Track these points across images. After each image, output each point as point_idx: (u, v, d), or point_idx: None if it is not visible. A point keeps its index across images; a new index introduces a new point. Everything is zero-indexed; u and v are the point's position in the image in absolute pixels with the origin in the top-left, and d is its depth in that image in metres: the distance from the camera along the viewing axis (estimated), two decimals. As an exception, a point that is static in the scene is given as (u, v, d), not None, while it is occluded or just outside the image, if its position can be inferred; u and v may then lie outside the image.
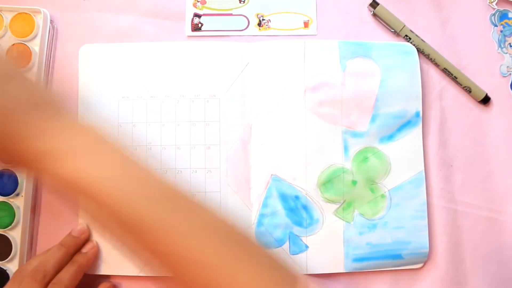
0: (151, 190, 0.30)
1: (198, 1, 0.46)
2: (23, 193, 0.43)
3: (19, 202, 0.43)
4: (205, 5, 0.46)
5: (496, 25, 0.46)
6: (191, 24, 0.46)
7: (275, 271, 0.30)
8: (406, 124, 0.44)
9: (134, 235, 0.29)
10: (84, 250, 0.41)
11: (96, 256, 0.42)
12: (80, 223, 0.43)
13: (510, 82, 0.45)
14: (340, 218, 0.43)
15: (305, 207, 0.43)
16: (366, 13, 0.46)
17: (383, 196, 0.43)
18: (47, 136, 0.28)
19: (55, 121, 0.29)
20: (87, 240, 0.42)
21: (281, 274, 0.31)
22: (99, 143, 0.30)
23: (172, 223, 0.29)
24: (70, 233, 0.42)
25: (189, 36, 0.46)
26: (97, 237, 0.43)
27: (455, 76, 0.45)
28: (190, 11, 0.46)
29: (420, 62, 0.45)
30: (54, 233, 0.43)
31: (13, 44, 0.44)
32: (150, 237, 0.29)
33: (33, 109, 0.29)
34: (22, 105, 0.29)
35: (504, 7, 0.46)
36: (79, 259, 0.40)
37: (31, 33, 0.44)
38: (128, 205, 0.28)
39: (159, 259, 0.30)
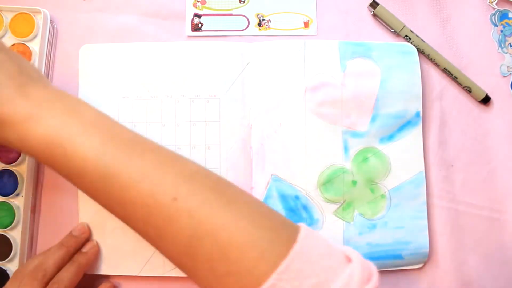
0: (129, 144, 0.31)
1: (198, 1, 0.46)
2: (23, 193, 0.43)
3: (19, 202, 0.43)
4: (205, 5, 0.46)
5: (496, 25, 0.46)
6: (191, 24, 0.46)
7: (272, 220, 0.30)
8: (406, 124, 0.44)
9: (112, 192, 0.30)
10: (84, 249, 0.41)
11: (96, 256, 0.42)
12: (81, 222, 0.43)
13: (510, 82, 0.45)
14: (340, 218, 0.43)
15: (305, 207, 0.43)
16: (366, 13, 0.46)
17: (383, 196, 0.43)
18: (23, 102, 0.30)
19: (34, 88, 0.31)
20: (88, 239, 0.42)
21: (280, 222, 0.31)
22: (75, 106, 0.32)
23: (153, 173, 0.29)
24: (70, 233, 0.42)
25: (189, 36, 0.46)
26: (98, 237, 0.43)
27: (455, 76, 0.45)
28: (190, 11, 0.46)
29: (420, 62, 0.44)
30: (54, 233, 0.43)
31: (13, 44, 0.44)
32: (131, 191, 0.29)
33: (14, 78, 0.31)
34: (4, 74, 0.31)
35: (504, 7, 0.46)
36: (80, 258, 0.40)
37: (31, 33, 0.44)
38: (104, 161, 0.29)
39: (140, 216, 0.29)
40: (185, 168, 0.31)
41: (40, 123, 0.30)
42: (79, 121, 0.31)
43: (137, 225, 0.31)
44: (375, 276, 0.27)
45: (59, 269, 0.39)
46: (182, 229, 0.28)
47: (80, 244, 0.42)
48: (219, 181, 0.31)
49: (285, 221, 0.31)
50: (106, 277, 0.43)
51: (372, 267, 0.28)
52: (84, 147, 0.29)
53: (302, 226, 0.30)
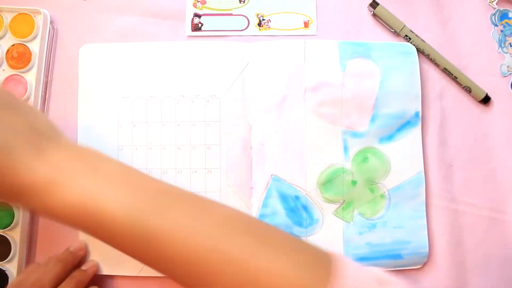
0: (157, 196, 0.30)
1: (198, 1, 0.46)
2: (23, 193, 0.43)
3: (19, 202, 0.42)
4: (205, 5, 0.46)
5: (496, 25, 0.46)
6: (191, 24, 0.46)
7: (305, 254, 0.30)
8: (406, 125, 0.44)
9: (148, 249, 0.29)
10: (84, 267, 0.41)
11: (94, 275, 0.42)
12: (79, 240, 0.42)
13: (510, 82, 0.45)
14: (340, 218, 0.43)
15: (305, 207, 0.43)
16: (366, 13, 0.46)
17: (382, 196, 0.43)
18: (42, 167, 0.28)
19: (51, 149, 0.29)
20: (85, 256, 0.42)
21: (313, 255, 0.30)
22: (96, 163, 0.30)
23: (187, 224, 0.29)
24: (68, 249, 0.41)
25: (189, 36, 0.46)
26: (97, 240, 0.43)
27: (455, 76, 0.45)
28: (190, 11, 0.46)
29: (420, 62, 0.45)
30: (53, 233, 0.43)
31: (13, 45, 0.44)
32: (168, 245, 0.28)
33: (28, 140, 0.29)
34: (16, 137, 0.28)
35: (504, 6, 0.46)
36: (78, 275, 0.40)
37: (31, 33, 0.44)
38: (135, 217, 0.28)
39: (180, 268, 0.29)
40: (217, 214, 0.30)
41: (63, 189, 0.28)
42: (104, 181, 0.29)
43: (178, 278, 0.30)
44: None
45: (56, 285, 0.38)
46: (224, 278, 0.28)
47: (77, 260, 0.41)
48: (252, 222, 0.31)
49: (319, 253, 0.31)
50: (106, 277, 0.43)
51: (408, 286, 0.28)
52: (114, 209, 0.28)
53: (334, 256, 0.30)
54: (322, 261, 0.30)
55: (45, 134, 0.30)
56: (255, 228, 0.31)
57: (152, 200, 0.29)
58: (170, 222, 0.28)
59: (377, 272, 0.29)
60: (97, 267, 0.42)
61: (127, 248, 0.30)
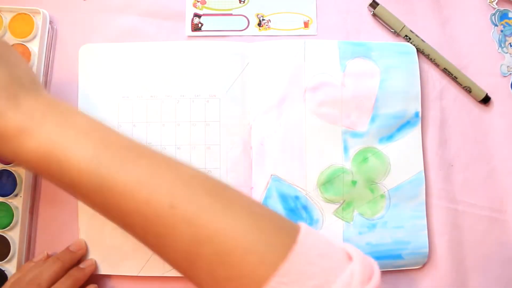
0: (122, 151, 0.30)
1: (198, 1, 0.46)
2: (21, 194, 0.42)
3: (17, 203, 0.42)
4: (205, 5, 0.46)
5: (496, 25, 0.46)
6: (191, 24, 0.46)
7: (270, 221, 0.29)
8: (406, 125, 0.44)
9: (108, 202, 0.29)
10: (82, 265, 0.41)
11: (92, 274, 0.42)
12: (79, 239, 0.42)
13: (510, 82, 0.45)
14: (339, 218, 0.43)
15: (305, 207, 0.43)
16: (366, 13, 0.46)
17: (382, 196, 0.43)
18: (16, 116, 0.29)
19: (27, 100, 0.30)
20: (84, 255, 0.42)
21: (278, 223, 0.30)
22: (68, 114, 0.31)
23: (148, 180, 0.29)
24: (67, 248, 0.41)
25: (189, 36, 0.46)
26: (98, 237, 0.43)
27: (455, 76, 0.45)
28: (190, 11, 0.46)
29: (420, 62, 0.45)
30: (53, 234, 0.43)
31: (12, 45, 0.44)
32: (128, 200, 0.28)
33: (6, 90, 0.30)
34: None
35: (504, 6, 0.46)
36: (76, 273, 0.40)
37: (30, 33, 0.43)
38: (96, 169, 0.28)
39: (139, 224, 0.29)
40: (181, 173, 0.30)
41: (32, 136, 0.29)
42: (72, 131, 0.30)
43: (137, 234, 0.30)
44: (377, 274, 0.27)
45: (53, 282, 0.39)
46: (181, 236, 0.28)
47: (76, 260, 0.41)
48: (216, 185, 0.31)
49: (284, 222, 0.30)
50: (106, 276, 0.43)
51: (374, 265, 0.28)
52: (78, 158, 0.28)
53: (302, 226, 0.30)
54: (288, 230, 0.29)
55: (24, 86, 0.31)
56: (220, 190, 0.30)
57: (115, 154, 0.29)
58: (132, 177, 0.28)
59: (349, 247, 0.28)
60: (95, 266, 0.42)
61: (89, 199, 0.30)
